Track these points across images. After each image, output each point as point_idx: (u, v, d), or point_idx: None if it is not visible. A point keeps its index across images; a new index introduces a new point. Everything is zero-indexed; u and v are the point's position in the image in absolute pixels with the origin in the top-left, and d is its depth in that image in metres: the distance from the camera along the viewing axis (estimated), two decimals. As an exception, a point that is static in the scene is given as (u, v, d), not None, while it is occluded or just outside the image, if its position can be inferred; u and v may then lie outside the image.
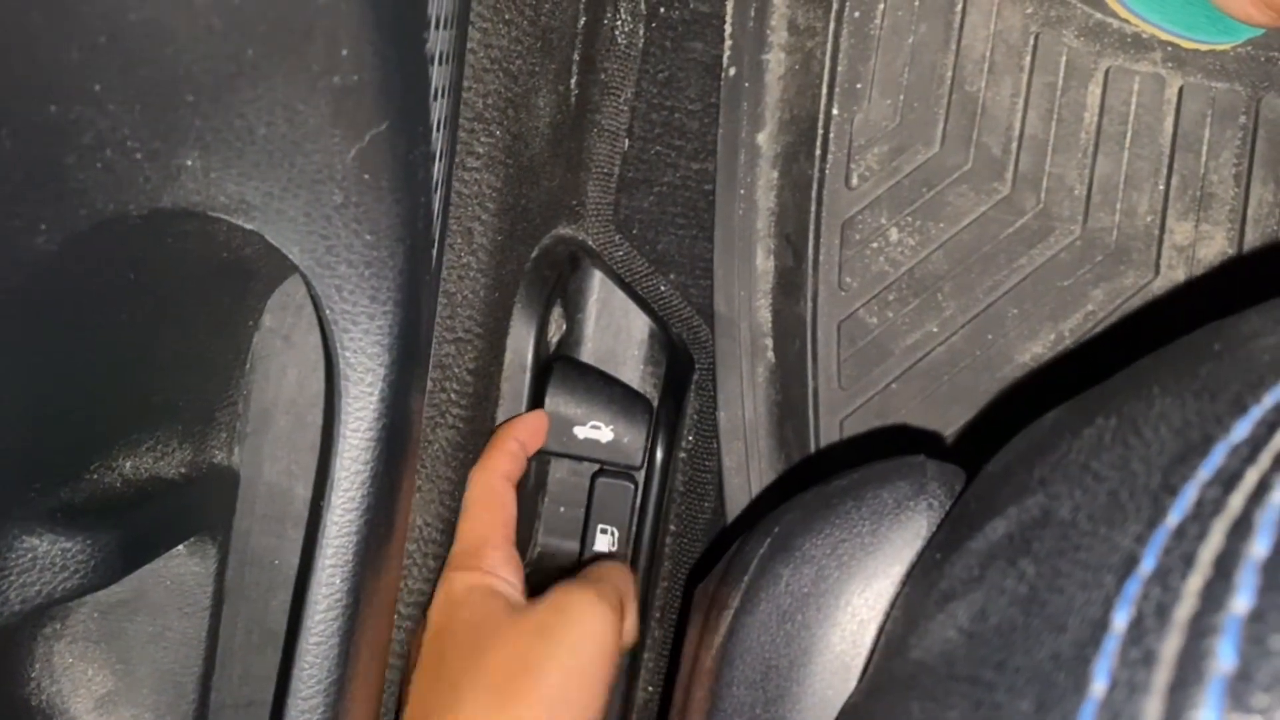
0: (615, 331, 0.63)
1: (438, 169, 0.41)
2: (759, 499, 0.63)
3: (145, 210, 0.32)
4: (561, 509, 0.62)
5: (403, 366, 0.39)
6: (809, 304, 0.64)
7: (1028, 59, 0.64)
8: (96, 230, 0.31)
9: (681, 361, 0.64)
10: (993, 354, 0.64)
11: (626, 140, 0.64)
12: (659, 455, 0.61)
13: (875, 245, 0.64)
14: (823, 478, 0.37)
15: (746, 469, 0.63)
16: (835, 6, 0.64)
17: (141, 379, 0.40)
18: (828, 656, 0.31)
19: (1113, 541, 0.20)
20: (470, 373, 0.53)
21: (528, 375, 0.57)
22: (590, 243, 0.63)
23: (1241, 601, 0.17)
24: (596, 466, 0.60)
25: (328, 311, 0.37)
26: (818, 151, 0.64)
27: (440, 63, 0.39)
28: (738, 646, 0.33)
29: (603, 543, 0.60)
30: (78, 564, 0.36)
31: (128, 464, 0.41)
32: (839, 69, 0.64)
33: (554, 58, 0.57)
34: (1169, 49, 0.63)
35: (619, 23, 0.63)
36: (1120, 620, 0.18)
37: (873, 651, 0.30)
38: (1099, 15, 0.63)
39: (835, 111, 0.64)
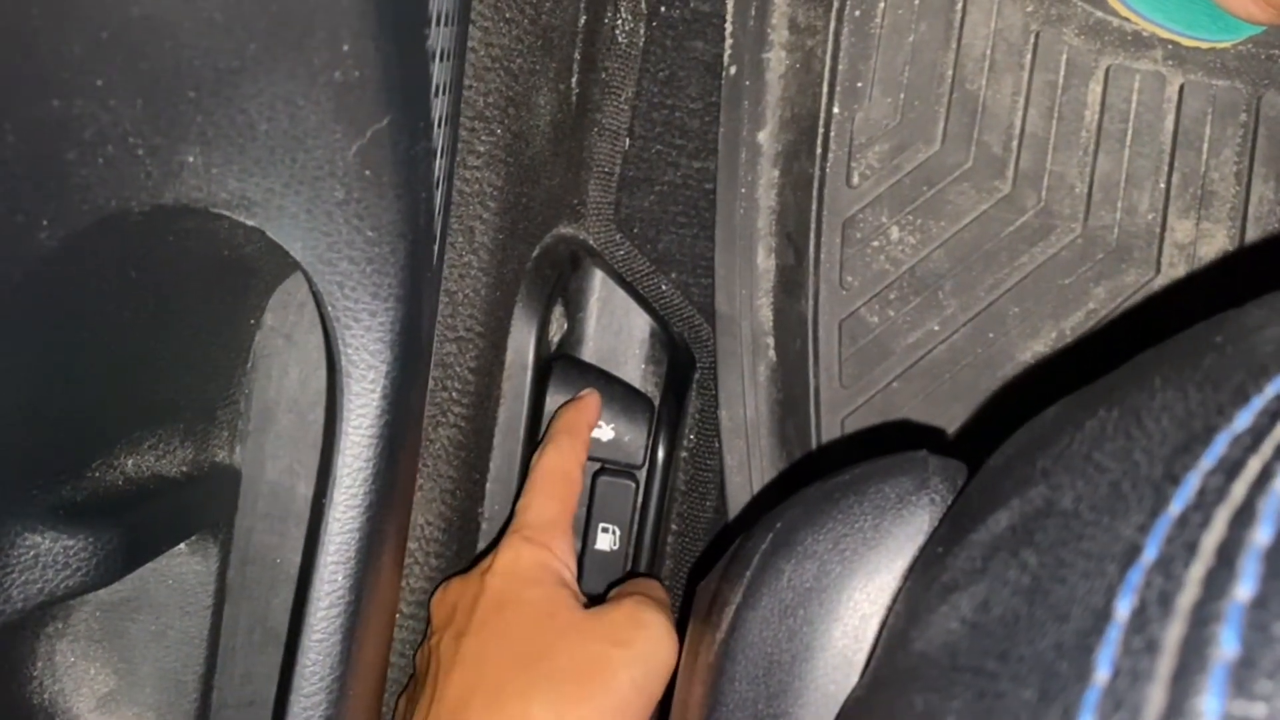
0: (616, 330, 0.63)
1: (439, 166, 0.41)
2: (760, 497, 0.63)
3: (147, 206, 0.32)
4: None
5: (404, 364, 0.39)
6: (810, 302, 0.64)
7: (1028, 57, 0.64)
8: (98, 227, 0.31)
9: (683, 360, 0.64)
10: (994, 352, 0.64)
11: (627, 139, 0.64)
12: (660, 454, 0.61)
13: (876, 244, 0.64)
14: (826, 476, 0.37)
15: (748, 467, 0.63)
16: (836, 5, 0.64)
17: (143, 377, 0.40)
18: (830, 651, 0.31)
19: (1115, 531, 0.20)
20: (471, 371, 0.53)
21: (529, 374, 0.57)
22: (591, 241, 0.63)
23: (1244, 589, 0.17)
24: (598, 465, 0.60)
25: (329, 308, 0.37)
26: (818, 150, 0.64)
27: (441, 59, 0.39)
28: (740, 642, 0.33)
29: (604, 541, 0.60)
30: (80, 562, 0.37)
31: (129, 462, 0.41)
32: (840, 67, 0.64)
33: (555, 56, 0.57)
34: (1169, 47, 0.63)
35: (620, 21, 0.63)
36: (1123, 609, 0.18)
37: (875, 645, 0.30)
38: (1099, 13, 0.63)
39: (836, 110, 0.64)
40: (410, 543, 0.52)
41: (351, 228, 0.35)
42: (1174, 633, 0.17)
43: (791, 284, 0.64)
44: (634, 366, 0.63)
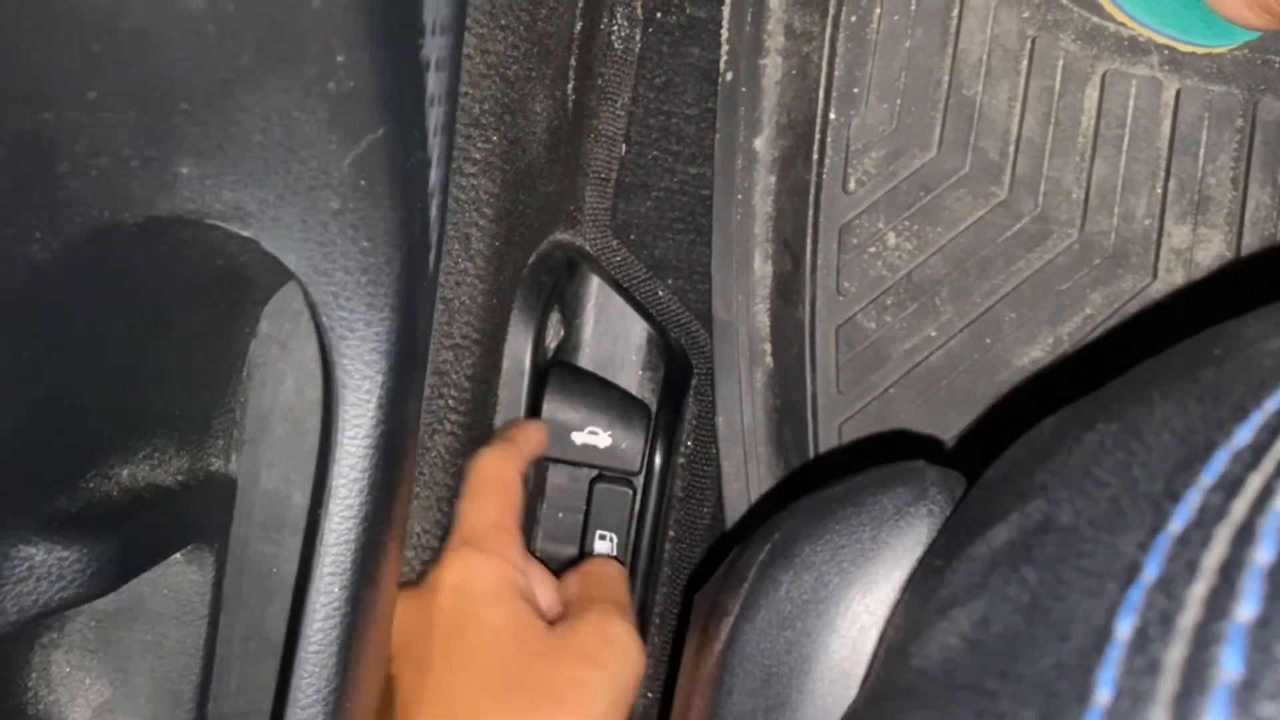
0: (613, 337, 0.63)
1: (434, 175, 0.41)
2: (758, 504, 0.63)
3: (140, 218, 0.32)
4: (560, 515, 0.61)
5: (401, 373, 0.39)
6: (807, 309, 0.64)
7: (1024, 63, 0.64)
8: (91, 239, 0.31)
9: (680, 367, 0.64)
10: (991, 358, 0.64)
11: (624, 145, 0.64)
12: (657, 461, 0.61)
13: (873, 250, 0.64)
14: (822, 482, 0.37)
15: (745, 474, 0.63)
16: (832, 11, 0.64)
17: (138, 387, 0.40)
18: (828, 663, 0.31)
19: (1115, 548, 0.20)
20: (468, 379, 0.53)
21: (525, 381, 0.57)
22: (588, 248, 0.63)
23: (1246, 609, 0.16)
24: (595, 472, 0.60)
25: (324, 319, 0.36)
26: (815, 156, 0.64)
27: (436, 69, 0.38)
28: (738, 654, 0.33)
29: (602, 548, 0.60)
30: (74, 573, 0.36)
31: (124, 472, 0.40)
32: (836, 73, 0.64)
33: (551, 63, 0.57)
34: (1166, 52, 0.63)
35: (615, 28, 0.63)
36: (1124, 628, 0.18)
37: (873, 658, 0.30)
38: (1095, 19, 0.63)
39: (832, 116, 0.64)
40: (406, 551, 0.51)
41: (347, 238, 0.35)
42: (1176, 653, 0.17)
43: (788, 290, 0.64)
44: (631, 373, 0.63)
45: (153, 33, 0.28)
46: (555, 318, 0.61)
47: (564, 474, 0.61)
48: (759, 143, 0.63)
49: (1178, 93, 0.63)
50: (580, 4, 0.59)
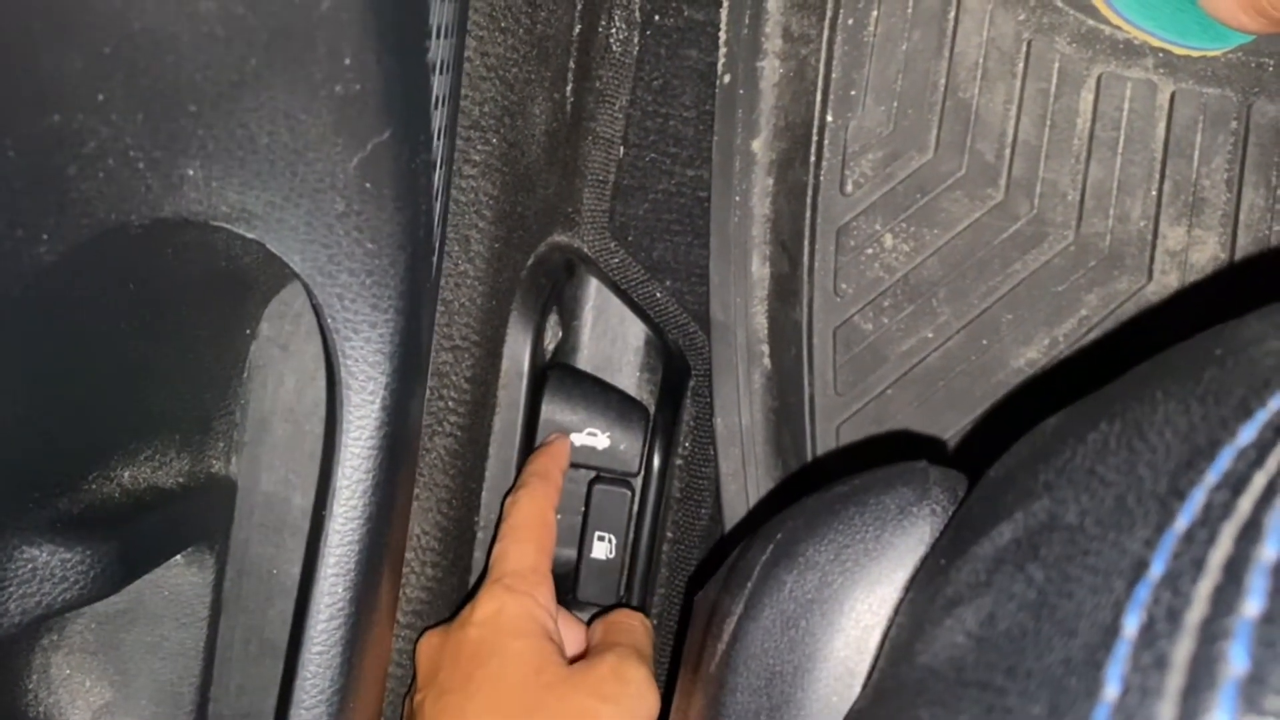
0: (611, 338, 0.63)
1: (437, 177, 0.41)
2: (756, 505, 0.63)
3: (147, 220, 0.32)
4: (559, 516, 0.62)
5: (404, 375, 0.39)
6: (805, 310, 0.65)
7: (1020, 65, 0.64)
8: (98, 240, 0.31)
9: (678, 368, 0.64)
10: (988, 359, 0.65)
11: (622, 147, 0.64)
12: (656, 462, 0.61)
13: (870, 251, 0.65)
14: (820, 484, 0.37)
15: (743, 475, 0.63)
16: (829, 14, 0.64)
17: (140, 389, 0.40)
18: (832, 662, 0.31)
19: (1121, 546, 0.20)
20: (467, 380, 0.53)
21: (524, 383, 0.57)
22: (586, 250, 0.63)
23: (1252, 605, 0.17)
24: (593, 474, 0.60)
25: (329, 320, 0.37)
26: (812, 158, 0.64)
27: (440, 71, 0.39)
28: (741, 653, 0.33)
29: (600, 550, 0.60)
30: (77, 575, 0.36)
31: (126, 474, 0.41)
32: (833, 76, 0.64)
33: (549, 65, 0.57)
34: (1160, 55, 0.63)
35: (614, 30, 0.63)
36: (1131, 625, 0.18)
37: (877, 657, 0.30)
38: (1091, 22, 0.63)
39: (830, 118, 0.65)
40: (407, 552, 0.51)
41: (352, 240, 0.35)
42: (1183, 649, 0.17)
43: (786, 291, 0.64)
44: (629, 374, 0.63)
45: (161, 35, 0.29)
46: (553, 319, 0.61)
47: (563, 475, 0.62)
48: (757, 145, 0.63)
49: (1172, 95, 0.64)
50: (579, 6, 0.59)
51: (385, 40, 0.31)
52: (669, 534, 0.66)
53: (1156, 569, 0.19)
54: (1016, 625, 0.21)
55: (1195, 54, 0.63)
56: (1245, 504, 0.18)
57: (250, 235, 0.34)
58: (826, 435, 0.65)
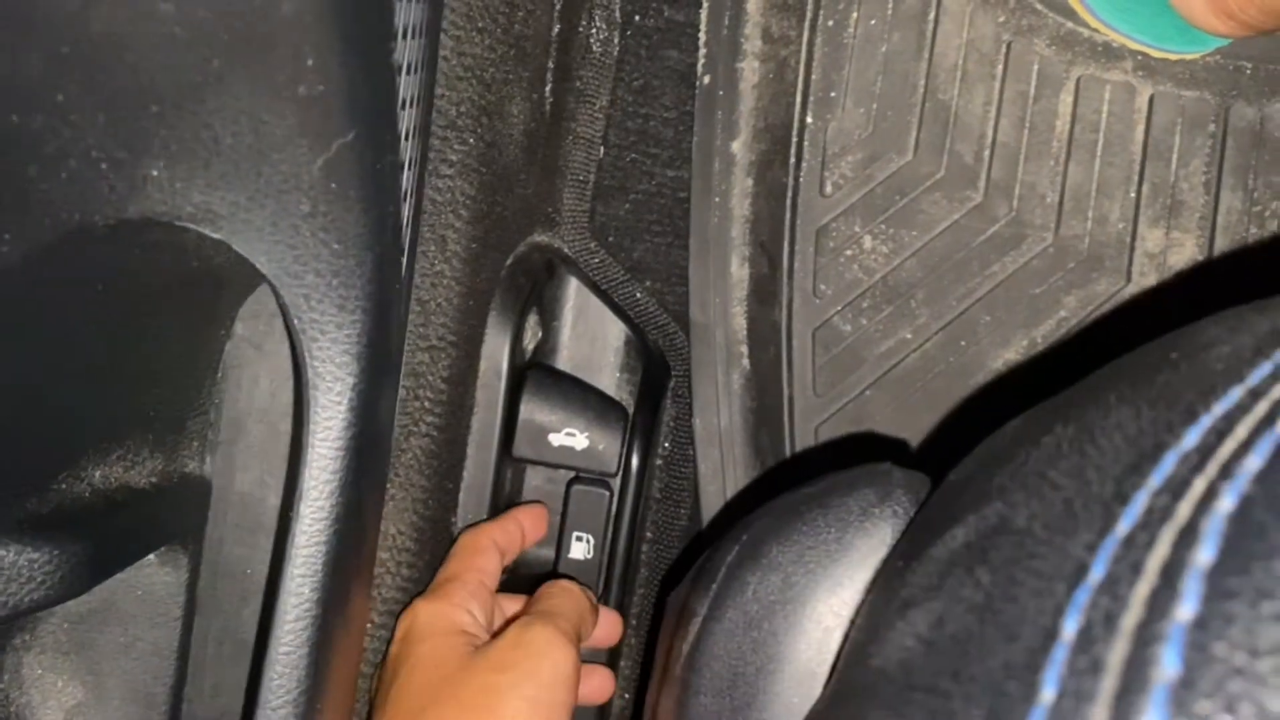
0: (591, 339, 0.63)
1: (407, 177, 0.41)
2: (734, 505, 0.63)
3: (111, 220, 0.32)
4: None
5: (372, 375, 0.39)
6: (784, 311, 0.65)
7: (1000, 68, 0.64)
8: (61, 241, 0.31)
9: (657, 368, 0.64)
10: (966, 361, 0.65)
11: (602, 148, 0.64)
12: (634, 462, 0.61)
13: (849, 253, 0.65)
14: (798, 484, 0.37)
15: (722, 475, 0.63)
16: (809, 15, 0.64)
17: (111, 388, 0.40)
18: (794, 664, 0.31)
19: (1065, 550, 0.20)
20: (444, 380, 0.53)
21: (503, 383, 0.57)
22: (566, 250, 0.63)
23: (1186, 609, 0.17)
24: (572, 474, 0.60)
25: (296, 320, 0.37)
26: (792, 159, 0.65)
27: (409, 72, 0.39)
28: (705, 654, 0.33)
29: (578, 550, 0.60)
30: (45, 575, 0.36)
31: (97, 473, 0.40)
32: (813, 77, 0.64)
33: (528, 65, 0.57)
34: (1139, 58, 0.64)
35: (594, 30, 0.63)
36: (1069, 629, 0.18)
37: (838, 659, 0.30)
38: (1070, 24, 0.64)
39: (809, 120, 0.65)
40: (382, 552, 0.51)
41: (318, 240, 0.35)
42: (1117, 653, 0.17)
43: (765, 293, 0.64)
44: (609, 375, 0.63)
45: (122, 36, 0.28)
46: (533, 319, 0.61)
47: (541, 476, 0.62)
48: (736, 146, 0.63)
49: (1151, 98, 0.64)
50: (558, 7, 0.59)
51: (348, 42, 0.31)
52: (648, 534, 0.66)
53: (1096, 573, 0.19)
54: (963, 629, 0.21)
55: (1173, 57, 0.63)
56: (1184, 508, 0.18)
57: (215, 235, 0.34)
58: (805, 436, 0.65)
